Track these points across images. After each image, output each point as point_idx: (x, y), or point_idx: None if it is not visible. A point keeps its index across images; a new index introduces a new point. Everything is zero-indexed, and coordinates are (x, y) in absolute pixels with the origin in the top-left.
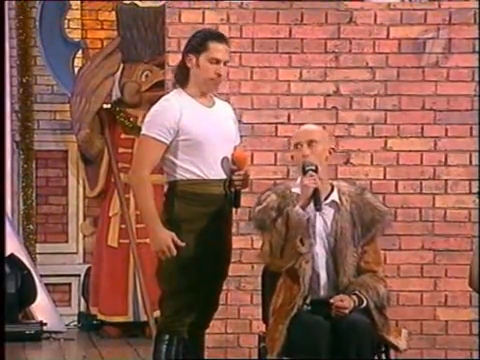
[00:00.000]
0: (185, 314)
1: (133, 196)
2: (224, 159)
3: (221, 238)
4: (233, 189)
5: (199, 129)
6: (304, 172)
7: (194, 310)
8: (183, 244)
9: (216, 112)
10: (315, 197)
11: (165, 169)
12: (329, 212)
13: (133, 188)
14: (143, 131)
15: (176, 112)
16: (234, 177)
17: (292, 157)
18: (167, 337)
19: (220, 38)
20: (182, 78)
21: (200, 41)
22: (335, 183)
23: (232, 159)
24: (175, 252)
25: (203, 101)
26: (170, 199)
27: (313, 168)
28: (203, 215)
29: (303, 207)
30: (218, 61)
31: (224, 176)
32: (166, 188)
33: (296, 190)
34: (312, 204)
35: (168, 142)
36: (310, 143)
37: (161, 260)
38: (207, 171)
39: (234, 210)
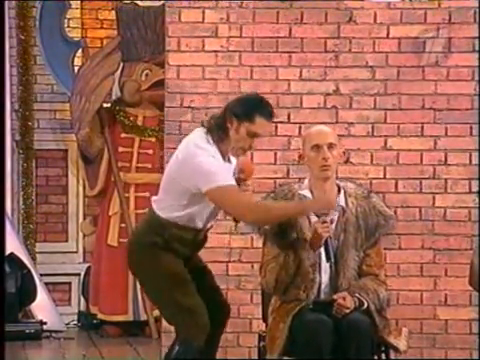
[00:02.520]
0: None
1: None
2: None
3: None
4: None
5: (232, 178)
6: (317, 214)
7: (205, 316)
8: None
9: (231, 169)
10: (326, 246)
11: (170, 209)
12: (334, 215)
13: (260, 222)
14: (218, 184)
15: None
16: (242, 187)
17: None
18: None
19: (269, 115)
20: (219, 133)
21: (249, 110)
22: (342, 184)
23: (240, 168)
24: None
25: (226, 158)
26: (157, 230)
27: (326, 211)
28: (179, 249)
29: (314, 250)
30: (257, 135)
31: (213, 222)
32: (158, 218)
33: (302, 192)
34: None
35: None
36: (330, 146)
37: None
38: (202, 223)
39: None
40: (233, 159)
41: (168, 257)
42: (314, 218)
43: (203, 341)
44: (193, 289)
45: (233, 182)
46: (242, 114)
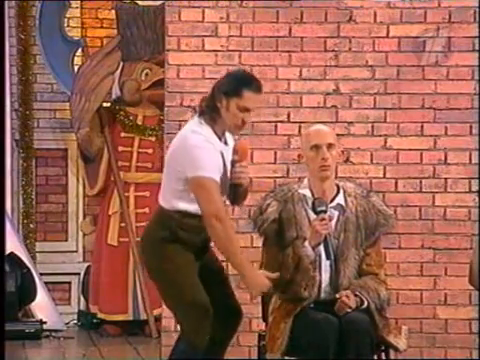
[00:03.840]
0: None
1: (217, 241)
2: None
3: (206, 255)
4: (233, 183)
5: (219, 170)
6: (315, 212)
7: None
8: (276, 275)
9: (229, 151)
10: (326, 244)
11: (171, 197)
12: (334, 214)
13: (217, 233)
14: (201, 173)
15: (218, 153)
16: (237, 169)
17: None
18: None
19: (256, 87)
20: (211, 115)
21: (235, 86)
22: (341, 184)
23: (234, 149)
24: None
25: (223, 140)
26: (164, 223)
27: (324, 209)
28: (189, 239)
29: (313, 248)
30: (248, 110)
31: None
32: (162, 210)
33: (301, 191)
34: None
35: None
36: (329, 146)
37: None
38: None
39: (232, 208)
40: (230, 141)
41: (176, 250)
42: (313, 216)
43: (204, 337)
44: (199, 287)
45: (217, 178)
46: (230, 91)
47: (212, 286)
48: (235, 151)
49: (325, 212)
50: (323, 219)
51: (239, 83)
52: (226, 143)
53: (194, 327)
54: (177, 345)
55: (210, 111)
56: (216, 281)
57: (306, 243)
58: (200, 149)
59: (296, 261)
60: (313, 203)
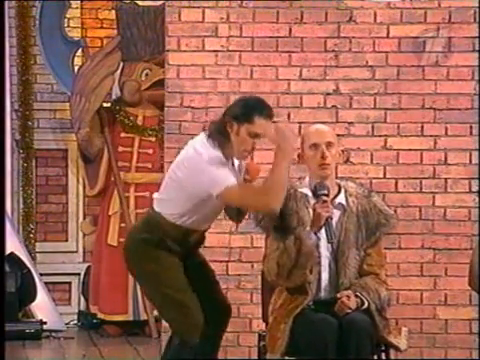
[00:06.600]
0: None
1: (271, 200)
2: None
3: (192, 259)
4: None
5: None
6: (316, 196)
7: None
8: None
9: (236, 173)
10: (327, 227)
11: (167, 206)
12: (335, 214)
13: (281, 197)
14: (225, 185)
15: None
16: None
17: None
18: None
19: (267, 114)
20: (220, 137)
21: (247, 112)
22: (342, 183)
23: (246, 168)
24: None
25: (230, 162)
26: (151, 226)
27: (325, 192)
28: (173, 247)
29: (315, 232)
30: (258, 135)
31: (210, 224)
32: (153, 213)
33: (302, 190)
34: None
35: None
36: (328, 145)
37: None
38: (201, 225)
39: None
40: (236, 162)
41: (161, 253)
42: (313, 200)
43: (196, 338)
44: (186, 285)
45: (235, 180)
46: (241, 116)
47: (200, 286)
48: (246, 170)
49: (326, 195)
50: (324, 201)
51: (251, 109)
52: (233, 165)
53: (184, 325)
54: (170, 344)
55: (219, 134)
56: (204, 281)
57: (308, 228)
58: (211, 166)
59: (298, 245)
60: (315, 187)
